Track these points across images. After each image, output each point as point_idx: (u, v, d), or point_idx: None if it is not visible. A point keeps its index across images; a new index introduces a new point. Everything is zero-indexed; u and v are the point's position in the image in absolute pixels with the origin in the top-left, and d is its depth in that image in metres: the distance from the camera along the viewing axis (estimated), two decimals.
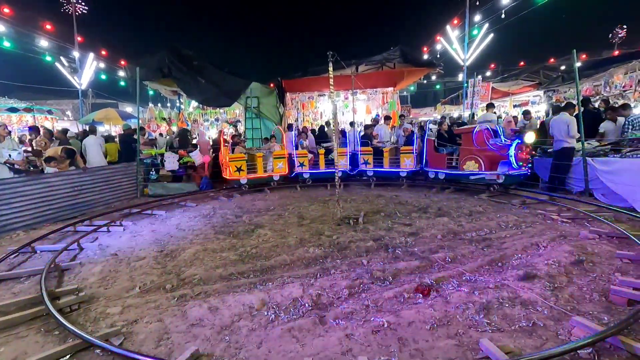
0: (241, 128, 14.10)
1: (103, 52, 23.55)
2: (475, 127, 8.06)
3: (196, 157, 10.22)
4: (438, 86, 30.52)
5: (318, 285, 3.73)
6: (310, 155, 10.48)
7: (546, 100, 16.21)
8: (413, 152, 9.40)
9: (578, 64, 9.93)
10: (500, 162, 7.59)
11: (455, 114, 20.92)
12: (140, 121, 12.00)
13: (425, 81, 27.33)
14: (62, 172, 7.43)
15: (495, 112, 10.86)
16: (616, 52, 20.18)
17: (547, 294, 3.30)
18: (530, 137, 7.71)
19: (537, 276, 3.65)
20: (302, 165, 9.94)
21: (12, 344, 2.95)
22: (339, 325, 3.05)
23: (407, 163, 9.47)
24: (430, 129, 9.46)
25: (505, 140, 7.80)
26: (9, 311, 3.39)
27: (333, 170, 6.50)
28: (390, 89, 14.27)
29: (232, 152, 10.09)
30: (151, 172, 10.11)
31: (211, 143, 12.11)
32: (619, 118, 7.48)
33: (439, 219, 5.95)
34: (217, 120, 15.22)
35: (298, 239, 5.28)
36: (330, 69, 6.20)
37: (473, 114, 12.76)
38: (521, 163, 7.47)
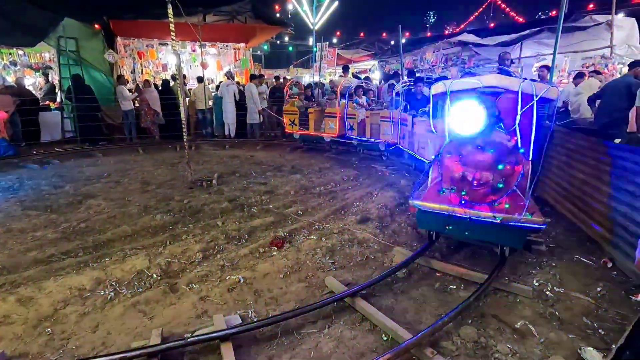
0: (54, 77, 11.12)
1: None
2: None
3: None
4: (290, 48, 30.98)
5: (167, 253, 3.44)
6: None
7: (380, 69, 18.63)
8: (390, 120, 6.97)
9: (403, 40, 11.64)
10: None
11: (306, 78, 21.88)
12: None
13: (278, 42, 27.23)
14: None
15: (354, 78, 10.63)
16: (428, 34, 24.62)
17: (377, 232, 3.96)
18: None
19: (370, 219, 4.31)
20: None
21: None
22: (192, 289, 2.92)
23: (387, 132, 7.07)
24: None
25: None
26: None
27: None
28: (242, 45, 13.65)
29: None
30: None
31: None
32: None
33: (292, 176, 6.25)
34: (13, 64, 11.47)
35: (142, 206, 4.69)
36: (170, 12, 5.39)
37: (331, 81, 13.46)
38: None
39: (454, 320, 2.45)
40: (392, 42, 20.04)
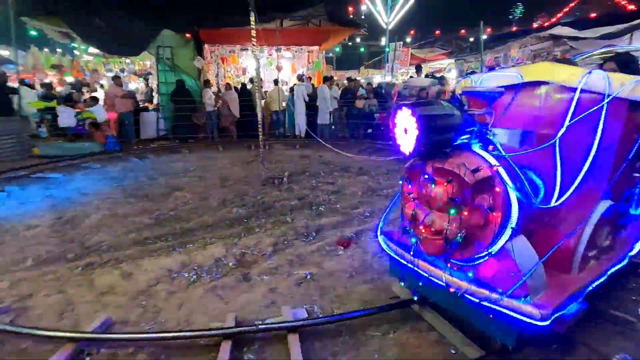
0: (153, 82, 12.65)
1: None
2: None
3: (99, 113, 8.96)
4: (362, 49, 30.93)
5: (242, 244, 3.70)
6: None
7: (457, 69, 17.64)
8: None
9: (484, 37, 10.87)
10: None
11: (377, 78, 21.64)
12: (20, 68, 9.97)
13: (350, 43, 27.42)
14: None
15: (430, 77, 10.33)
16: (514, 28, 22.59)
17: None
18: None
19: None
20: None
21: None
22: (263, 280, 3.10)
23: None
24: None
25: None
26: None
27: None
28: (316, 47, 14.01)
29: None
30: (40, 129, 8.62)
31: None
32: None
33: (359, 177, 6.26)
34: (122, 71, 13.37)
35: (220, 200, 5.11)
36: (252, 20, 5.78)
37: (405, 82, 13.19)
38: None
39: (533, 342, 2.22)
40: (471, 39, 18.84)
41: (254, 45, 5.90)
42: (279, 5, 11.20)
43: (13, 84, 8.80)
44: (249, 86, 11.21)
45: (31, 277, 3.14)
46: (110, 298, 2.85)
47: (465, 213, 1.88)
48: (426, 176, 2.01)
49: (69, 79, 13.05)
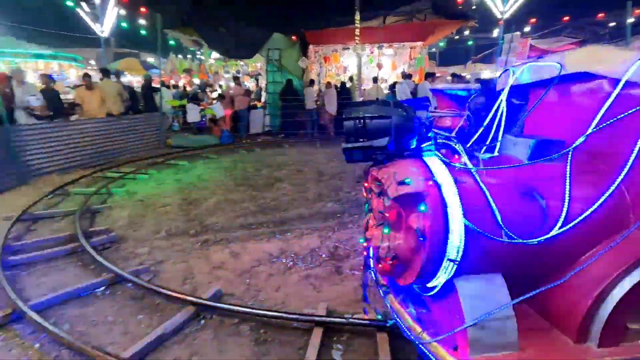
0: (262, 82, 13.85)
1: None
2: None
3: (217, 110, 10.23)
4: (470, 42, 28.55)
5: (335, 238, 3.83)
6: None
7: None
8: None
9: (630, 20, 8.97)
10: None
11: (486, 74, 19.73)
12: (162, 72, 11.96)
13: (457, 36, 25.55)
14: (89, 119, 7.63)
15: None
16: None
17: None
18: None
19: None
20: None
21: (52, 275, 3.22)
22: (354, 275, 3.16)
23: None
24: None
25: None
26: (49, 245, 3.67)
27: None
28: (419, 43, 13.45)
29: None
30: (173, 123, 10.24)
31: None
32: None
33: None
34: (238, 72, 14.97)
35: (317, 193, 5.35)
36: (357, 18, 5.86)
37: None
38: None
39: None
40: (612, 24, 15.79)
41: (357, 43, 5.99)
42: (383, 2, 11.10)
43: (156, 85, 10.60)
44: (348, 84, 11.42)
45: (164, 246, 3.79)
46: (221, 272, 3.26)
47: (386, 231, 1.54)
48: (365, 184, 1.78)
49: (196, 80, 15.18)
